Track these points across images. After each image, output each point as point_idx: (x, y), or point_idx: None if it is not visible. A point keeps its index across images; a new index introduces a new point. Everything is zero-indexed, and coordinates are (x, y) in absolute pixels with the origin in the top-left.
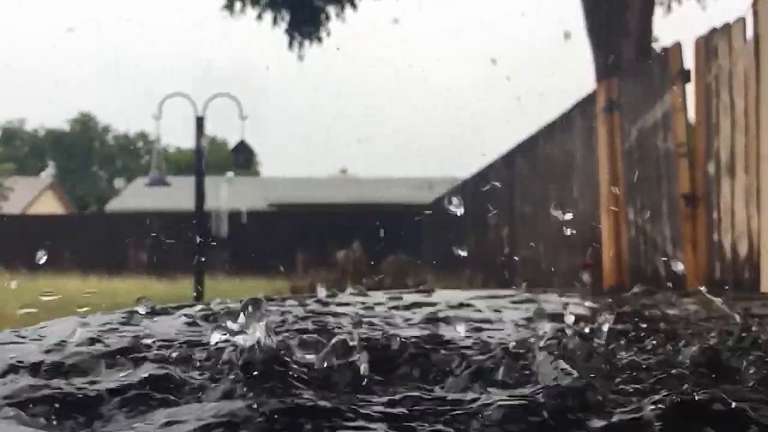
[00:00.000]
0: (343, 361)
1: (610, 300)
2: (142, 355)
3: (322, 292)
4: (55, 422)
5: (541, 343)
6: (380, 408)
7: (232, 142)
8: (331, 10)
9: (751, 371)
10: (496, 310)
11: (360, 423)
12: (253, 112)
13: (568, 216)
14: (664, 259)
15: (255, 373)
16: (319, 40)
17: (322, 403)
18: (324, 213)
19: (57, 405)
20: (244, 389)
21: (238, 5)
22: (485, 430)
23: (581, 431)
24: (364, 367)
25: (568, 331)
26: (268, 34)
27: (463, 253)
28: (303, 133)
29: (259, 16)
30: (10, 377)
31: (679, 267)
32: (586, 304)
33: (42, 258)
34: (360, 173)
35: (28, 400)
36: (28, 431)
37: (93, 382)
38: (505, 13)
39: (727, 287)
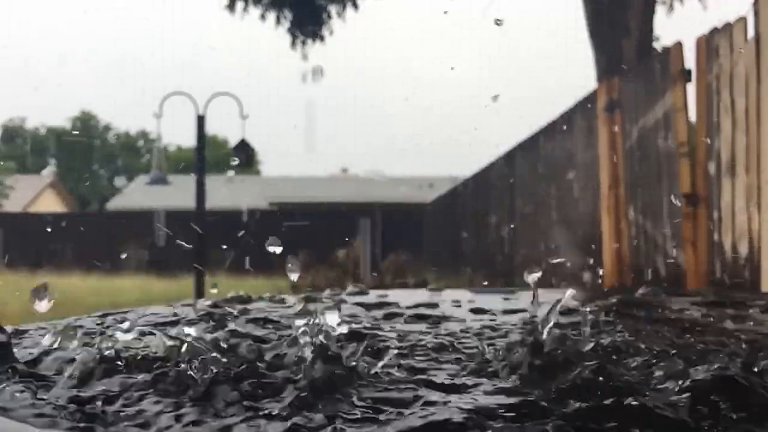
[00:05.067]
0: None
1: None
2: None
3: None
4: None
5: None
6: None
7: (233, 141)
8: (333, 9)
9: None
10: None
11: None
12: (254, 111)
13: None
14: (664, 258)
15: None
16: (322, 39)
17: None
18: (325, 212)
19: None
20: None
21: (239, 5)
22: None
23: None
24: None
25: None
26: (270, 33)
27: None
28: (304, 132)
29: (262, 16)
30: None
31: (679, 267)
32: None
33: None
34: (361, 172)
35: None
36: (29, 429)
37: None
38: (505, 13)
39: (727, 287)
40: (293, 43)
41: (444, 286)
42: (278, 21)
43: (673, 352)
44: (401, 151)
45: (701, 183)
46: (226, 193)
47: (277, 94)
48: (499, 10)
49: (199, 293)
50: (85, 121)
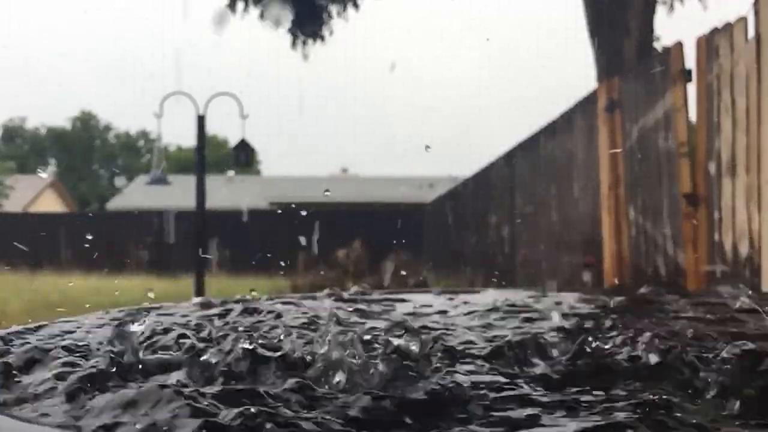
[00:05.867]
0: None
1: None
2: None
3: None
4: None
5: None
6: None
7: (233, 141)
8: (334, 9)
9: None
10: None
11: None
12: (254, 111)
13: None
14: (664, 258)
15: None
16: (322, 39)
17: None
18: (325, 212)
19: None
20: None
21: (240, 5)
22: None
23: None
24: None
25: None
26: (270, 33)
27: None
28: (304, 131)
29: (262, 15)
30: None
31: (679, 266)
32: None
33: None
34: (361, 172)
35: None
36: (32, 428)
37: None
38: (506, 13)
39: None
40: (293, 43)
41: (443, 286)
42: (278, 21)
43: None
44: (401, 151)
45: (701, 183)
46: (226, 193)
47: (277, 94)
48: (500, 10)
49: (200, 293)
50: (85, 121)
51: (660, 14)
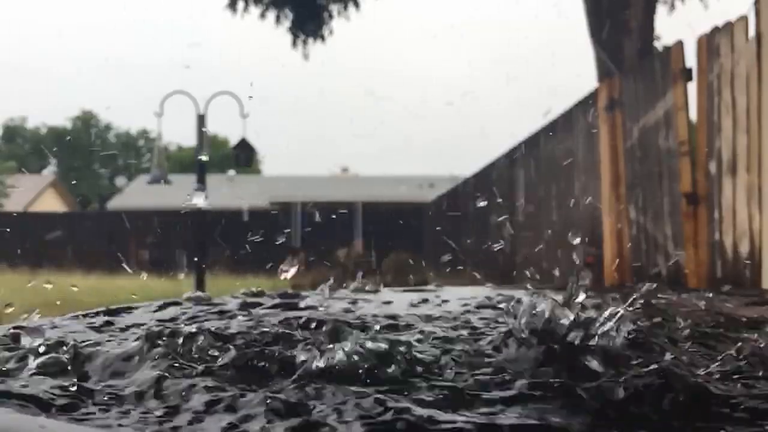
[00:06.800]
0: None
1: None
2: None
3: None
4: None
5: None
6: None
7: (233, 140)
8: (334, 8)
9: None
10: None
11: None
12: (254, 111)
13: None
14: (665, 258)
15: None
16: (323, 38)
17: None
18: (325, 211)
19: None
20: None
21: (240, 4)
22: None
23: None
24: None
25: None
26: (271, 33)
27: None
28: (305, 131)
29: (262, 15)
30: None
31: (680, 266)
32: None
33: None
34: (361, 172)
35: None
36: (27, 419)
37: None
38: (507, 12)
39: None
40: (294, 43)
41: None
42: (278, 20)
43: None
44: (401, 151)
45: (702, 182)
46: (227, 192)
47: (277, 93)
48: (500, 10)
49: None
50: (86, 121)
51: (660, 14)
